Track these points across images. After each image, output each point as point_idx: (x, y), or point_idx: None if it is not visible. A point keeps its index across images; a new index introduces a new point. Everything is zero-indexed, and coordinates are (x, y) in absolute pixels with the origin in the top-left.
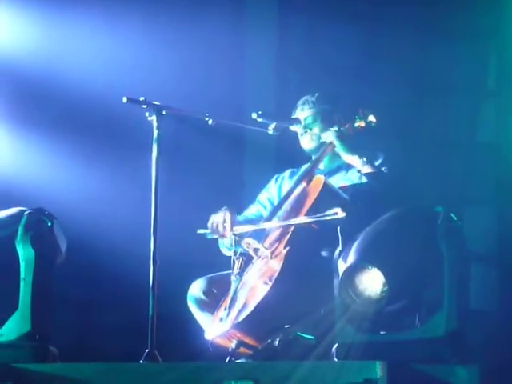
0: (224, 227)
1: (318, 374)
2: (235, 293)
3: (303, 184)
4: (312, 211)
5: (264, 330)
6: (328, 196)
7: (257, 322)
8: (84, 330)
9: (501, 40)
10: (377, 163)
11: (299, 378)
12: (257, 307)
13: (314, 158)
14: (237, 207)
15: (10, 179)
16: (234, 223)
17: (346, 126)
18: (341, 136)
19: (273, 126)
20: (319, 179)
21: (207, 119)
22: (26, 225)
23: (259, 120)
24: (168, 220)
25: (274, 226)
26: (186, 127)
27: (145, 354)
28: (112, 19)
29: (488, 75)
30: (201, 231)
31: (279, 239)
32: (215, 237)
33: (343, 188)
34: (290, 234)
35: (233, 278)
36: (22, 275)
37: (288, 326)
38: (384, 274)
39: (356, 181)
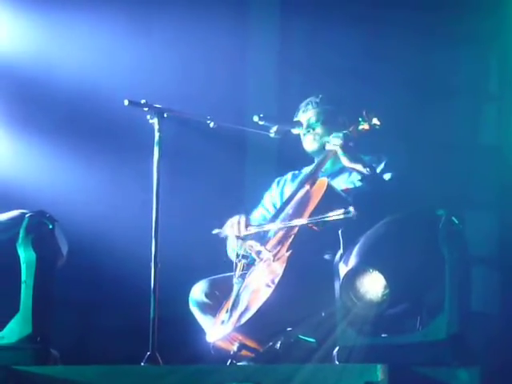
0: (239, 227)
1: (320, 377)
2: (237, 295)
3: (306, 187)
4: (315, 214)
5: (266, 333)
6: (331, 199)
7: (259, 325)
8: (85, 332)
9: (502, 43)
10: (380, 166)
11: (300, 381)
12: (259, 310)
13: (316, 160)
14: (238, 211)
15: (12, 182)
16: (248, 224)
17: (350, 129)
18: (343, 143)
19: (274, 128)
20: (322, 182)
21: (209, 122)
22: (27, 227)
23: (261, 123)
24: (169, 222)
25: (278, 227)
26: (188, 130)
27: (146, 356)
28: (113, 22)
29: (490, 78)
30: (216, 231)
31: (282, 242)
32: (229, 235)
33: (346, 191)
34: (292, 236)
35: (235, 280)
36: (23, 278)
37: (290, 328)
38: (385, 277)
39: (359, 184)
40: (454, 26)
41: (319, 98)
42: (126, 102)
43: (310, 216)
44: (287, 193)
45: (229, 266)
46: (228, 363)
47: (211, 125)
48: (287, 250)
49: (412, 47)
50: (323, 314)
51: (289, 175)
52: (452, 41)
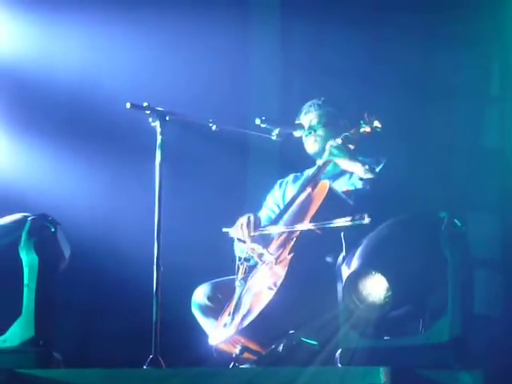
0: (248, 227)
1: (322, 380)
2: (239, 298)
3: (308, 190)
4: (317, 217)
5: (268, 336)
6: (333, 202)
7: (261, 328)
8: (88, 335)
9: (504, 45)
10: (379, 168)
11: None
12: (261, 313)
13: (318, 163)
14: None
15: (14, 185)
16: (257, 225)
17: (352, 132)
18: (341, 150)
19: (276, 131)
20: (324, 185)
21: (211, 125)
22: (29, 231)
23: (263, 126)
24: (171, 225)
25: (280, 230)
26: (190, 133)
27: (148, 359)
28: (115, 24)
29: (491, 80)
30: (226, 229)
31: (284, 245)
32: (238, 236)
33: (347, 192)
34: (294, 239)
35: (237, 283)
36: (26, 281)
37: (292, 331)
38: (387, 280)
39: (360, 186)
40: (455, 27)
41: (321, 100)
42: (128, 105)
43: (311, 219)
44: (289, 195)
45: (231, 268)
46: (230, 366)
47: (213, 128)
48: (289, 253)
49: (413, 49)
50: (326, 317)
51: (290, 177)
52: (453, 42)
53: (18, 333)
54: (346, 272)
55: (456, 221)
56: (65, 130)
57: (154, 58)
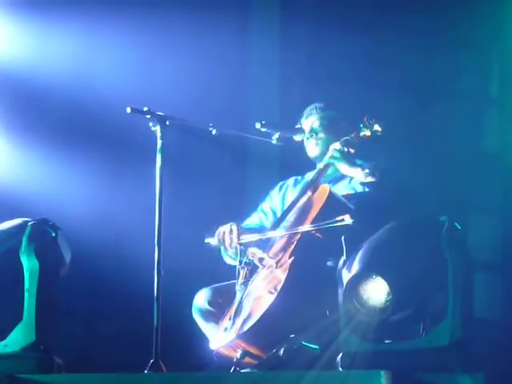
0: (230, 238)
1: None
2: (240, 302)
3: (308, 194)
4: (317, 221)
5: (269, 340)
6: (333, 206)
7: (262, 332)
8: (89, 340)
9: (503, 47)
10: (379, 172)
11: None
12: (262, 317)
13: (318, 167)
14: (241, 218)
15: (14, 190)
16: (240, 234)
17: (352, 135)
18: (341, 155)
19: (276, 135)
20: (324, 189)
21: (211, 129)
22: (29, 235)
23: (263, 130)
24: (172, 230)
25: (280, 234)
26: (190, 137)
27: (149, 364)
28: (115, 29)
29: (491, 83)
30: (208, 240)
31: (284, 249)
32: (221, 246)
33: (347, 196)
34: (295, 243)
35: (238, 287)
36: (27, 286)
37: (293, 335)
38: (388, 284)
39: (360, 189)
40: (455, 30)
41: (323, 104)
42: (129, 110)
43: (312, 223)
44: (289, 198)
45: (232, 273)
46: (231, 370)
47: (213, 132)
48: (290, 257)
49: (413, 52)
50: (326, 321)
51: (291, 180)
52: (453, 46)
53: (18, 338)
54: (346, 276)
55: (456, 224)
56: (65, 135)
57: (154, 62)
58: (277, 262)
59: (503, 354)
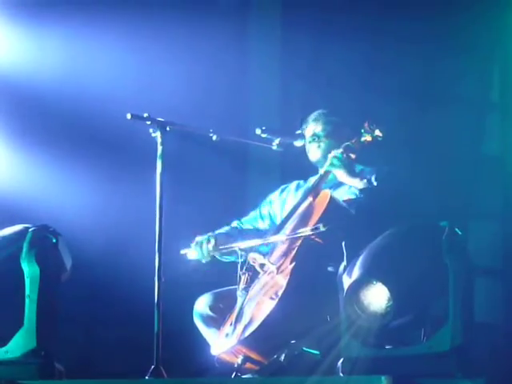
0: (207, 247)
1: None
2: (241, 308)
3: (309, 199)
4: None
5: (270, 346)
6: (334, 211)
7: (263, 338)
8: (90, 346)
9: (504, 52)
10: (380, 177)
11: None
12: (263, 323)
13: (320, 172)
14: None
15: (15, 196)
16: (218, 243)
17: (353, 141)
18: (340, 162)
19: (277, 141)
20: (325, 194)
21: (211, 135)
22: (30, 241)
23: (263, 136)
24: (173, 236)
25: (279, 239)
26: (190, 143)
27: (150, 370)
28: (115, 35)
29: (492, 88)
30: (184, 251)
31: (285, 254)
32: (197, 257)
33: (348, 201)
34: (296, 249)
35: (238, 293)
36: (27, 292)
37: (293, 341)
38: (389, 289)
39: (359, 195)
40: (456, 35)
41: (327, 110)
42: (129, 116)
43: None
44: (290, 203)
45: (233, 278)
46: (232, 376)
47: (214, 138)
48: (291, 263)
49: (413, 57)
50: (327, 326)
51: (293, 185)
52: (454, 50)
53: (19, 344)
54: (347, 282)
55: (457, 229)
56: (66, 141)
57: (155, 68)
58: (278, 268)
59: (504, 360)
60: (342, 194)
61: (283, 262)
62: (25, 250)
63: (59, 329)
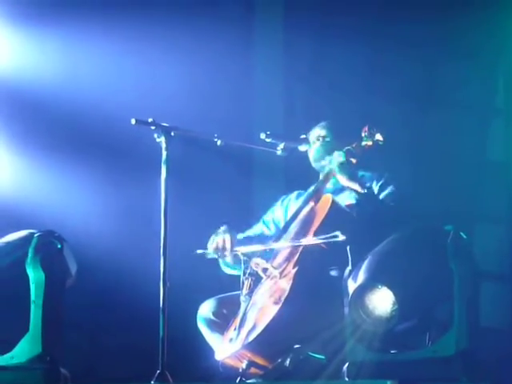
0: (224, 248)
1: None
2: (245, 313)
3: (311, 204)
4: (320, 230)
5: (274, 350)
6: (336, 215)
7: (267, 342)
8: (95, 351)
9: (508, 57)
10: (380, 182)
11: None
12: (267, 327)
13: (321, 177)
14: (238, 227)
15: (20, 202)
16: (234, 243)
17: (354, 145)
18: (341, 165)
19: (281, 146)
20: (327, 198)
21: (216, 140)
22: (35, 247)
23: (268, 140)
24: (177, 241)
25: (283, 246)
26: (195, 148)
27: (156, 374)
28: (118, 40)
29: (496, 92)
30: (200, 251)
31: (288, 259)
32: (216, 257)
33: (349, 206)
34: (298, 253)
35: (242, 298)
36: (33, 297)
37: (298, 345)
38: (394, 293)
39: (359, 201)
40: (460, 40)
41: (331, 119)
42: (134, 121)
43: (315, 232)
44: (292, 211)
45: (236, 283)
46: (237, 381)
47: (218, 143)
48: (294, 267)
49: (417, 61)
50: (332, 331)
51: (294, 194)
52: (458, 55)
53: (25, 349)
54: (352, 286)
55: (462, 234)
56: (69, 146)
57: (158, 73)
58: (281, 273)
59: (510, 364)
60: (344, 199)
61: (286, 267)
62: (30, 255)
63: (65, 334)
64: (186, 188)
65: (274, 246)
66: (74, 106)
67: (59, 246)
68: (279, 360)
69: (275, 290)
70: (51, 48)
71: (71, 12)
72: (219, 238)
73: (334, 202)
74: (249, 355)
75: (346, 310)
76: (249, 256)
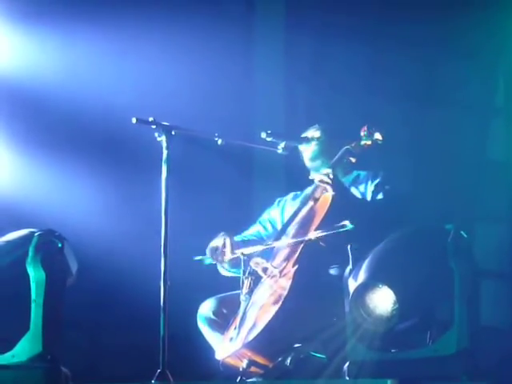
0: (223, 252)
1: None
2: (245, 312)
3: (310, 203)
4: (321, 228)
5: (274, 349)
6: (336, 213)
7: (267, 341)
8: (96, 350)
9: (508, 57)
10: (376, 182)
11: None
12: (267, 326)
13: (314, 176)
14: (246, 228)
15: (20, 201)
16: (233, 247)
17: (353, 145)
18: (329, 180)
19: (282, 145)
20: (326, 197)
21: (216, 139)
22: (36, 246)
23: (268, 139)
24: (178, 240)
25: (283, 244)
26: (196, 147)
27: (156, 373)
28: (119, 39)
29: (496, 92)
30: (198, 258)
31: (288, 258)
32: (213, 262)
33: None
34: (298, 252)
35: (242, 297)
36: (33, 296)
37: (299, 344)
38: (394, 292)
39: (360, 197)
40: (460, 40)
41: (325, 120)
42: (134, 120)
43: (316, 231)
44: (288, 211)
45: (237, 283)
46: (238, 380)
47: (219, 142)
48: (293, 266)
49: (417, 61)
50: (333, 330)
51: (290, 195)
52: (458, 55)
53: (25, 348)
54: (352, 285)
55: (462, 232)
56: (70, 145)
57: (159, 72)
58: (280, 271)
59: (510, 363)
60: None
61: (286, 266)
62: (30, 254)
63: (65, 333)
64: (187, 187)
65: (277, 244)
66: (75, 104)
67: (60, 245)
68: (280, 359)
69: (275, 288)
70: (51, 46)
71: (71, 10)
72: (218, 242)
73: (333, 201)
74: (249, 354)
75: (347, 308)
76: (249, 255)
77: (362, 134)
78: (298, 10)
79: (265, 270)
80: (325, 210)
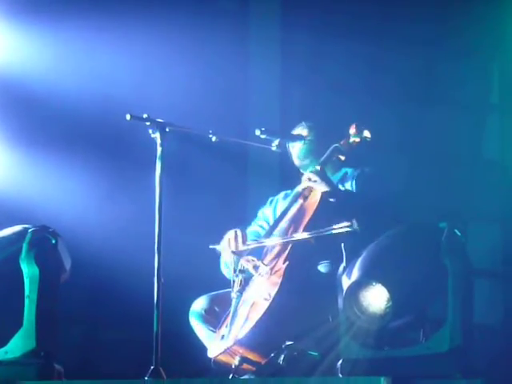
0: (236, 244)
1: None
2: (236, 310)
3: (300, 201)
4: (311, 226)
5: (266, 346)
6: (326, 210)
7: (259, 338)
8: (89, 347)
9: (504, 55)
10: (362, 179)
11: None
12: (258, 322)
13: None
14: (241, 225)
15: (14, 197)
16: (244, 239)
17: (342, 142)
18: (319, 178)
19: (276, 142)
20: (316, 195)
21: (211, 136)
22: (30, 242)
23: (262, 136)
24: (172, 237)
25: (276, 242)
26: (190, 144)
27: (150, 370)
28: (114, 37)
29: (492, 91)
30: (212, 246)
31: (279, 255)
32: (225, 251)
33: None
34: (289, 249)
35: (233, 295)
36: (27, 292)
37: (291, 342)
38: (388, 290)
39: (349, 194)
40: (457, 38)
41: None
42: (128, 117)
43: (305, 228)
44: (280, 210)
45: (229, 281)
46: (230, 377)
47: (213, 139)
48: (284, 262)
49: (414, 60)
50: (326, 327)
51: (281, 194)
52: (454, 53)
53: (19, 344)
54: (346, 283)
55: (456, 231)
56: (65, 142)
57: (154, 70)
58: (271, 269)
59: (503, 361)
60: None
61: (276, 263)
62: (24, 250)
63: (59, 329)
64: (181, 183)
65: (278, 241)
66: (69, 101)
67: (53, 241)
68: (272, 356)
69: (266, 286)
70: (45, 44)
71: (65, 7)
72: (230, 234)
73: (322, 198)
74: (241, 351)
75: (340, 306)
76: (240, 254)
77: (350, 131)
78: (294, 8)
79: (256, 267)
80: (314, 208)
